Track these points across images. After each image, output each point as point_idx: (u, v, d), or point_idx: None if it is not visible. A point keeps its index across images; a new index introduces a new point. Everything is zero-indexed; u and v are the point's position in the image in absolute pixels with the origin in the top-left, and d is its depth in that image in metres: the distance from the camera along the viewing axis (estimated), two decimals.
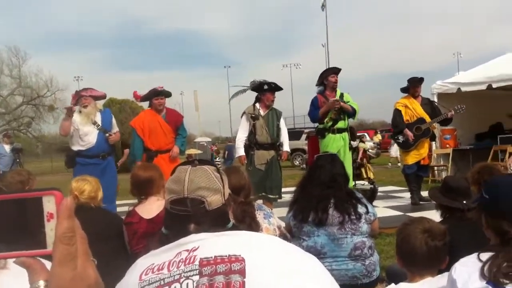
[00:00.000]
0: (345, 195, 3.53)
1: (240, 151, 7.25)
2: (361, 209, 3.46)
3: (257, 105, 7.31)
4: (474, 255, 1.91)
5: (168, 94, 7.07)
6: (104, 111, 6.94)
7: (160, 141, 6.81)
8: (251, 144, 7.19)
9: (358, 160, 13.50)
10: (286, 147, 7.44)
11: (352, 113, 7.62)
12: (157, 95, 6.89)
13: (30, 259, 0.70)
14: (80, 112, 6.56)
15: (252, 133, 7.19)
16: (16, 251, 0.69)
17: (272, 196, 7.11)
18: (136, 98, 7.31)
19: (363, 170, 12.94)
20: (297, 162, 24.69)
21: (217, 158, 24.38)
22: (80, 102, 6.59)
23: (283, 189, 7.61)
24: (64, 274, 0.66)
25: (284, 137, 7.44)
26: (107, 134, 6.61)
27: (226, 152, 25.49)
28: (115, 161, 7.11)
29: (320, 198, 3.48)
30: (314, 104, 7.63)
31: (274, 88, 7.32)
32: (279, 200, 7.34)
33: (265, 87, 7.26)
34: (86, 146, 6.54)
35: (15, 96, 37.44)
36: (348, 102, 7.58)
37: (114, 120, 6.95)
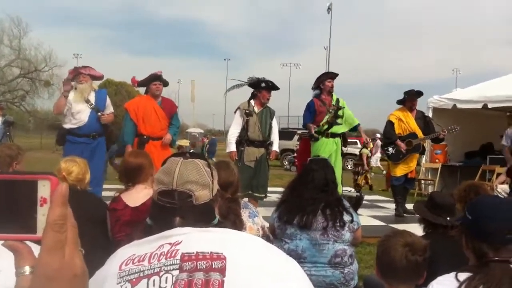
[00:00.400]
0: (335, 201, 3.55)
1: (232, 147, 7.21)
2: (346, 217, 3.47)
3: (252, 101, 7.29)
4: (452, 274, 1.93)
5: (165, 83, 7.04)
6: (99, 91, 6.88)
7: (154, 126, 6.76)
8: (242, 140, 7.17)
9: (366, 167, 13.37)
10: (276, 147, 7.44)
11: (354, 129, 7.86)
12: (155, 79, 6.86)
13: (18, 243, 0.69)
14: (75, 88, 6.52)
15: (244, 129, 7.18)
16: (5, 233, 0.68)
17: (258, 195, 7.10)
18: (134, 83, 7.27)
19: (363, 176, 12.92)
20: (287, 162, 24.70)
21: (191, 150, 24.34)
22: (77, 78, 6.55)
23: (269, 189, 7.61)
24: (52, 262, 0.65)
25: (275, 136, 7.45)
26: (99, 114, 6.55)
27: (207, 146, 25.43)
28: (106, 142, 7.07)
29: (311, 201, 3.48)
30: (310, 108, 7.65)
31: (271, 86, 7.32)
32: (264, 200, 7.35)
33: (263, 84, 7.24)
34: (77, 124, 6.48)
35: (13, 68, 37.21)
36: (344, 107, 7.62)
37: (109, 101, 6.88)
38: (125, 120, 6.86)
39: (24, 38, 37.38)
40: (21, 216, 0.68)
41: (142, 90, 7.38)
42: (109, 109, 6.81)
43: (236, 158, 7.11)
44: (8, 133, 13.00)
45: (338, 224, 3.41)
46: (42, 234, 0.66)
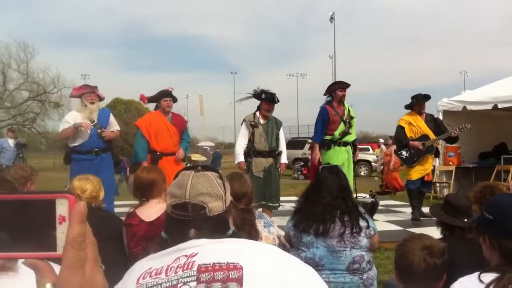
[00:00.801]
0: (352, 207, 3.52)
1: (240, 157, 7.24)
2: (362, 223, 3.45)
3: (257, 113, 7.35)
4: (475, 275, 1.90)
5: (175, 99, 7.11)
6: (102, 109, 6.98)
7: (166, 143, 6.83)
8: (250, 151, 7.21)
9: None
10: (284, 159, 7.46)
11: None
12: (166, 96, 6.92)
13: (39, 261, 0.69)
14: (85, 106, 6.62)
15: (250, 140, 7.23)
16: (26, 252, 0.68)
17: (272, 204, 7.08)
18: (143, 100, 7.33)
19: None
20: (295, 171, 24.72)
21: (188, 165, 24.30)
22: (84, 96, 6.63)
23: (284, 198, 7.59)
24: (73, 280, 0.66)
25: (283, 147, 7.47)
26: (98, 130, 6.62)
27: (211, 159, 25.45)
28: (115, 159, 7.11)
29: (328, 207, 3.45)
30: (324, 115, 7.65)
31: (269, 98, 7.35)
32: (278, 209, 7.34)
33: (262, 95, 7.30)
34: (79, 141, 6.58)
35: (22, 91, 37.64)
36: (354, 118, 7.67)
37: (113, 119, 6.98)
38: (137, 138, 6.94)
39: (31, 62, 37.82)
40: (41, 235, 0.68)
41: (151, 106, 7.45)
42: (114, 127, 6.89)
43: (245, 168, 7.12)
44: (21, 155, 13.11)
45: (354, 230, 3.38)
46: (62, 252, 0.67)
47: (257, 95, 7.37)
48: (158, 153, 6.77)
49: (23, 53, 37.55)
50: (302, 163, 23.54)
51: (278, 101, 7.43)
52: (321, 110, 7.73)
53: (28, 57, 37.67)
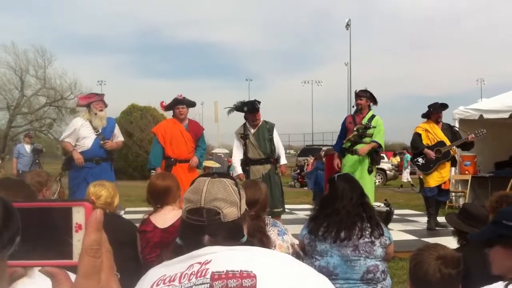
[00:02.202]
0: (369, 215, 3.49)
1: (238, 170, 7.41)
2: (377, 232, 3.42)
3: (247, 124, 7.46)
4: (500, 285, 1.87)
5: (190, 104, 7.16)
6: (108, 119, 7.08)
7: (181, 149, 6.90)
8: (247, 160, 7.32)
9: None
10: (283, 160, 7.53)
11: (377, 148, 7.67)
12: (177, 103, 6.98)
13: (55, 269, 0.69)
14: (95, 114, 6.74)
15: (245, 151, 7.34)
16: (42, 259, 0.69)
17: (276, 210, 7.04)
18: (162, 107, 7.46)
19: None
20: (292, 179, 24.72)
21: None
22: (93, 105, 6.77)
23: (298, 206, 7.56)
24: (88, 287, 0.66)
25: (280, 149, 7.52)
26: (101, 142, 6.72)
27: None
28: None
29: (350, 214, 3.42)
30: (342, 126, 7.79)
31: (251, 110, 7.39)
32: (292, 217, 7.31)
33: (245, 108, 7.40)
34: (81, 149, 6.69)
35: (39, 97, 37.91)
36: (374, 127, 7.48)
37: (117, 130, 7.14)
38: (153, 144, 7.07)
39: (48, 68, 38.02)
40: (57, 243, 0.69)
41: (168, 113, 7.56)
42: (117, 138, 7.05)
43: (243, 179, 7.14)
44: (37, 161, 13.22)
45: (369, 239, 3.35)
46: (78, 260, 0.67)
47: (239, 108, 7.47)
48: (173, 159, 6.84)
49: (41, 58, 37.78)
50: (298, 171, 23.67)
51: (258, 105, 7.43)
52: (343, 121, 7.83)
53: (46, 63, 37.90)
